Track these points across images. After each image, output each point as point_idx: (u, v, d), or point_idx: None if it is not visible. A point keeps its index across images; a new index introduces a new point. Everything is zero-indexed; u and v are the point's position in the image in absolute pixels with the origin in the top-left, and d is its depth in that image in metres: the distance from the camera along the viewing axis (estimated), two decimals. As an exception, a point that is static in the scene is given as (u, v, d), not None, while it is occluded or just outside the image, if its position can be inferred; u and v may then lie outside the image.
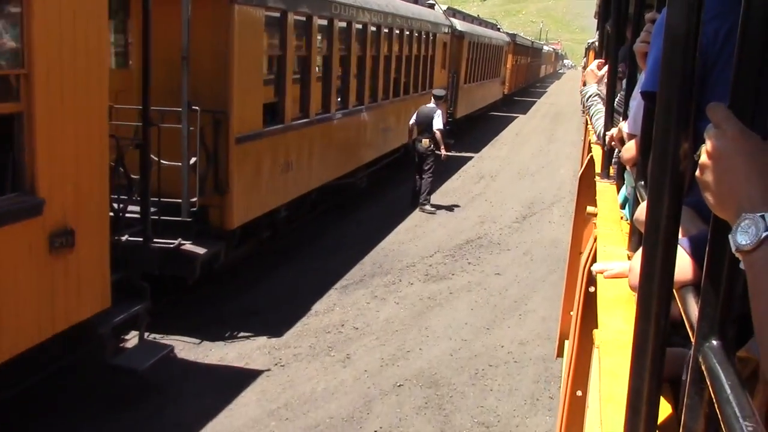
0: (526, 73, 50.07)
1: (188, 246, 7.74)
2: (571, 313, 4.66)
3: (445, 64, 20.50)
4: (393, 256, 11.14)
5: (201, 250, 7.85)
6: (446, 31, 20.13)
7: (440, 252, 11.55)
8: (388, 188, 15.78)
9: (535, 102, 47.71)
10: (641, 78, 2.83)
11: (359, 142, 13.12)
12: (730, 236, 1.02)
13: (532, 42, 58.35)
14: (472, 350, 7.97)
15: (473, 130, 26.80)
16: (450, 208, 14.66)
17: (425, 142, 13.80)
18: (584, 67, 42.07)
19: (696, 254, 1.51)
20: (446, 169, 17.65)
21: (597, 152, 5.36)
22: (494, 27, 34.34)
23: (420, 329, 8.44)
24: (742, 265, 1.01)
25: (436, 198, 15.33)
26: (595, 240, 3.60)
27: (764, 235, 0.97)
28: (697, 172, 1.10)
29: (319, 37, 10.80)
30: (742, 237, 0.99)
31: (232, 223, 8.31)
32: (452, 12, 23.45)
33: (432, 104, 14.14)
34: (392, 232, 12.47)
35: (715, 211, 1.09)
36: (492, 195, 16.22)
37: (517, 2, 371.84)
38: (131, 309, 6.65)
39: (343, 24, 11.63)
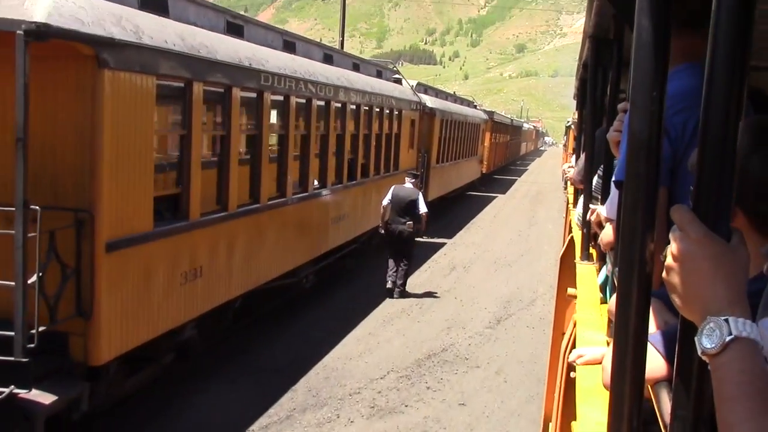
0: (506, 151, 48.78)
1: (27, 395, 5.63)
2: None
3: (414, 143, 18.79)
4: (335, 379, 9.03)
5: (48, 399, 5.74)
6: (414, 107, 18.49)
7: (394, 371, 9.45)
8: (341, 286, 13.71)
9: (515, 180, 46.25)
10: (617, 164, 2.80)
11: (303, 235, 11.14)
12: (696, 339, 1.05)
13: (512, 119, 57.42)
14: None
15: (448, 213, 24.99)
16: (413, 308, 12.62)
17: (409, 225, 12.99)
18: (565, 146, 40.89)
19: (668, 351, 1.55)
20: (414, 259, 15.72)
21: (577, 235, 5.52)
22: (470, 104, 32.99)
23: (352, 499, 6.29)
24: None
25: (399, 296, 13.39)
26: (575, 325, 3.65)
27: (728, 339, 1.00)
28: (664, 274, 1.13)
29: (243, 113, 8.95)
30: (707, 340, 1.03)
31: (100, 357, 6.22)
32: (423, 88, 21.90)
33: (409, 185, 13.38)
34: (339, 344, 10.37)
35: (682, 313, 1.12)
36: (463, 291, 14.20)
37: (498, 81, 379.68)
38: None
39: (278, 97, 9.81)
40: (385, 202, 13.23)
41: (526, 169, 61.15)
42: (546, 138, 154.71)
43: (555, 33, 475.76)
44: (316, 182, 11.68)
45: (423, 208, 13.17)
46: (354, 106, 13.24)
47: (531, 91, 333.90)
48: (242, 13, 11.56)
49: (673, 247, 1.11)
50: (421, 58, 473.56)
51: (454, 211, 26.04)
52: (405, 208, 13.01)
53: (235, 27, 9.40)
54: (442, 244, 19.51)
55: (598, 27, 4.97)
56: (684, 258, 1.08)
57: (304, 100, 10.77)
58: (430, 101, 20.87)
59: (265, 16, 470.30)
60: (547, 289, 14.09)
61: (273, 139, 10.05)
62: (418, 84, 21.22)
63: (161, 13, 7.49)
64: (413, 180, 13.51)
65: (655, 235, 1.28)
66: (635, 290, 1.27)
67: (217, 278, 8.25)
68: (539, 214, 28.23)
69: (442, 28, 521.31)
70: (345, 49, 20.26)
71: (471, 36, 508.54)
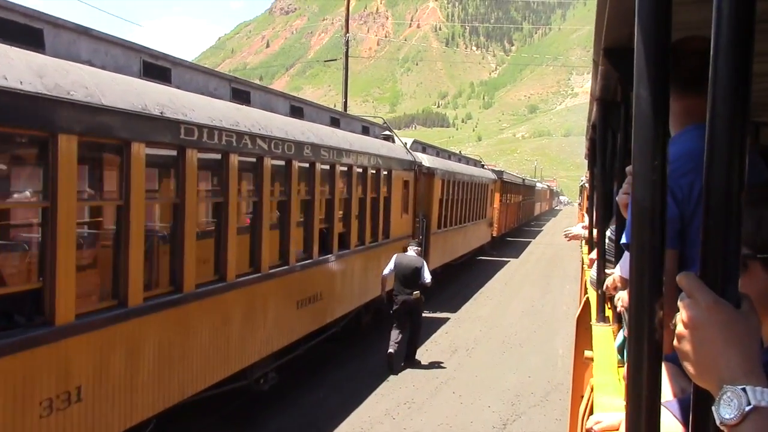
0: (518, 213, 46.52)
1: None
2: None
3: (408, 206, 16.70)
4: None
5: None
6: (408, 167, 16.47)
7: None
8: (312, 382, 11.42)
9: (529, 243, 43.95)
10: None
11: (255, 326, 8.95)
12: (713, 409, 1.02)
13: (524, 179, 55.34)
14: None
15: (453, 282, 22.73)
16: (400, 407, 10.33)
17: (416, 294, 12.61)
18: (580, 205, 38.73)
19: (684, 418, 1.47)
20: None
21: (593, 295, 5.77)
22: (477, 163, 31.03)
23: None
24: None
25: (387, 389, 11.17)
26: (592, 389, 3.64)
27: (747, 409, 0.97)
28: (675, 342, 1.10)
29: (153, 175, 6.92)
30: (725, 410, 0.99)
31: None
32: (421, 146, 19.95)
33: (412, 253, 12.98)
34: (299, 466, 8.11)
35: (695, 381, 1.09)
36: (464, 382, 11.88)
37: (511, 142, 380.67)
38: None
39: (212, 156, 7.80)
40: (386, 272, 12.80)
41: (541, 230, 58.81)
42: (561, 197, 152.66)
43: (566, 93, 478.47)
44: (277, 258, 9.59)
45: (428, 277, 12.76)
46: (326, 166, 11.22)
47: (545, 150, 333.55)
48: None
49: (683, 315, 1.09)
50: (434, 120, 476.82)
51: (460, 280, 23.77)
52: (410, 276, 12.57)
53: (158, 70, 7.48)
54: (445, 320, 17.24)
55: (605, 90, 5.00)
56: (694, 325, 1.07)
57: (253, 159, 8.75)
58: (427, 160, 18.87)
59: (279, 84, 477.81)
60: (564, 376, 11.78)
61: (205, 208, 8.00)
62: (415, 142, 19.26)
63: (28, 47, 5.56)
64: (417, 248, 13.21)
65: (665, 301, 1.23)
66: (646, 358, 1.23)
67: (109, 399, 6.07)
68: (554, 280, 25.90)
69: (454, 91, 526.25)
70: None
71: (483, 98, 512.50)
